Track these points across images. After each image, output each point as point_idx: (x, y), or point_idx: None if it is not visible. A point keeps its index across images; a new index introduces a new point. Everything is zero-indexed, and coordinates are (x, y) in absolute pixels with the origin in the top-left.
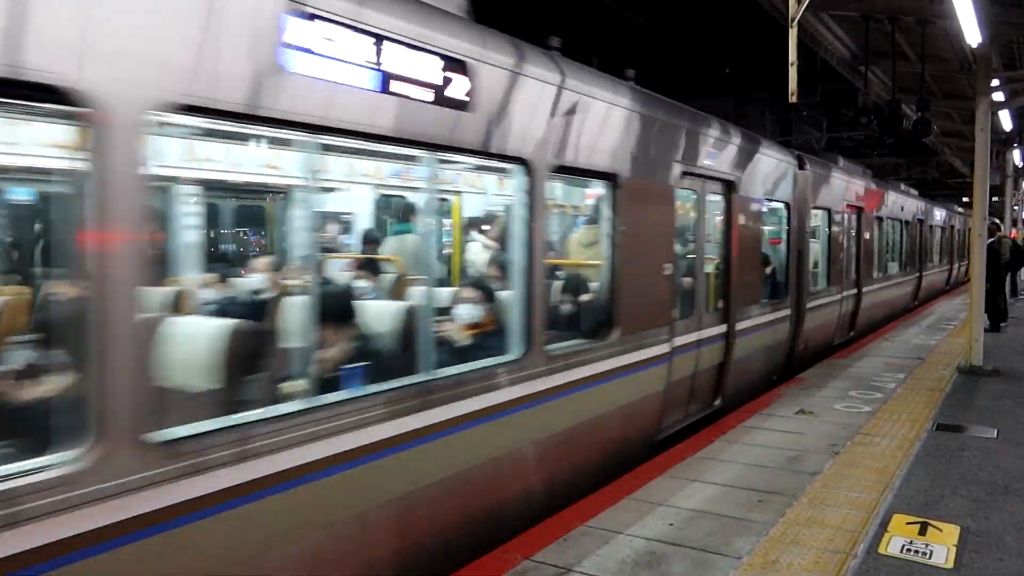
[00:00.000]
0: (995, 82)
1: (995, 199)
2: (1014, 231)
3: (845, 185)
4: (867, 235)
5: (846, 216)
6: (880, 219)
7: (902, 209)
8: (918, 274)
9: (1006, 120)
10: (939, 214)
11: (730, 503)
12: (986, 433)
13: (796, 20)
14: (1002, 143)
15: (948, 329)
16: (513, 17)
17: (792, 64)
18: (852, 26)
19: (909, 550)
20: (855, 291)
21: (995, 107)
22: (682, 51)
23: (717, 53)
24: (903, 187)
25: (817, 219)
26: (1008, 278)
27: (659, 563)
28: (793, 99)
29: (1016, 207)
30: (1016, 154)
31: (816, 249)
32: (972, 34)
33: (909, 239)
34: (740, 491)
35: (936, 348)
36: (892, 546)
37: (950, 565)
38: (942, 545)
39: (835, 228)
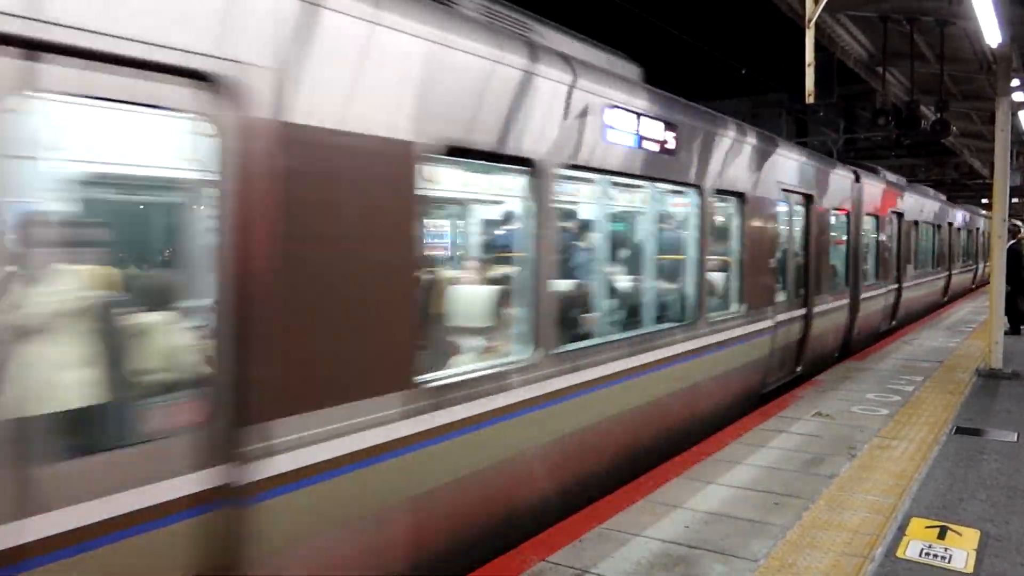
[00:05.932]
0: (1015, 82)
1: (1015, 200)
2: None
3: (936, 206)
4: (949, 239)
5: (939, 227)
6: (958, 229)
7: (967, 221)
8: (975, 265)
9: None
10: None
11: (747, 505)
12: (1006, 436)
13: (813, 21)
14: (1022, 144)
15: (967, 332)
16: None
17: (809, 65)
18: (869, 27)
19: (928, 554)
20: (947, 274)
21: (1016, 108)
22: (698, 52)
23: (733, 54)
24: (965, 205)
25: (917, 228)
26: None
27: (675, 565)
28: (810, 100)
29: None
30: None
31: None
32: (992, 34)
33: (972, 242)
34: (757, 494)
35: (955, 351)
36: (911, 550)
37: (970, 570)
38: (961, 549)
39: (935, 231)
